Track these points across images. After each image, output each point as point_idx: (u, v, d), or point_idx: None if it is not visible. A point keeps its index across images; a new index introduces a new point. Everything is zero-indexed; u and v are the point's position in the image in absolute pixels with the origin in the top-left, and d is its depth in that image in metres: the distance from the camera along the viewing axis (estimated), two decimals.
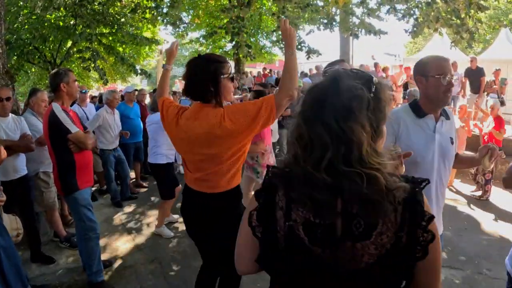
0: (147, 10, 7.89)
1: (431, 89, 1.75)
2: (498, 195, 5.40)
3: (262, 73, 13.32)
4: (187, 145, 1.86)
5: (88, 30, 8.14)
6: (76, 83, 2.77)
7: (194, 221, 2.02)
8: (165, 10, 7.30)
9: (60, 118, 2.62)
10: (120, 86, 18.85)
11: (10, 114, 3.21)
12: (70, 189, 2.74)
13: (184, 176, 2.06)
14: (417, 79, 1.81)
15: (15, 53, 9.61)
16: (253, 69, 18.32)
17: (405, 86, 9.76)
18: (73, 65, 12.56)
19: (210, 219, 1.93)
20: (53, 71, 2.80)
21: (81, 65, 9.04)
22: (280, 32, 7.83)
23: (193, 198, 1.96)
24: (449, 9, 7.69)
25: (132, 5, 7.78)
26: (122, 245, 3.86)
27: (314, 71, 11.28)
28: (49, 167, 3.47)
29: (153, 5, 7.60)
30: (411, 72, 9.73)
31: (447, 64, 1.76)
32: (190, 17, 13.99)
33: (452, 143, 1.89)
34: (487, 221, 4.54)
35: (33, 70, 13.17)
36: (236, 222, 1.91)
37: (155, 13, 7.51)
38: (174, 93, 7.32)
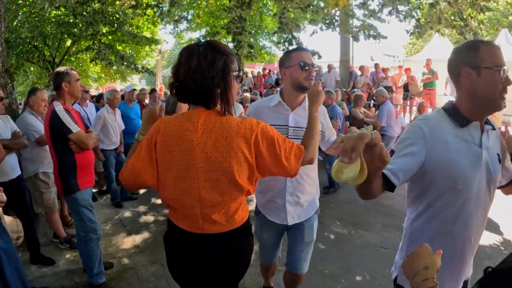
0: (149, 8, 7.85)
1: (483, 86, 1.25)
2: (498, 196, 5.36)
3: (262, 73, 13.31)
4: (202, 172, 1.35)
5: (91, 29, 8.10)
6: (79, 82, 2.73)
7: (194, 269, 1.51)
8: (165, 9, 7.28)
9: (61, 118, 2.58)
10: (119, 86, 18.82)
11: None
12: (71, 189, 2.70)
13: (172, 218, 1.53)
14: (464, 71, 1.27)
15: (14, 52, 9.57)
16: (253, 69, 18.30)
17: (405, 87, 9.77)
18: (72, 65, 12.53)
19: (219, 265, 1.49)
20: (56, 69, 2.76)
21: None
22: (281, 34, 7.82)
23: (196, 243, 1.47)
24: (451, 11, 7.68)
25: (133, 2, 7.74)
26: (122, 246, 3.81)
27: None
28: (48, 168, 3.42)
29: (154, 3, 7.57)
30: (411, 73, 9.85)
31: (501, 53, 1.26)
32: (190, 17, 13.97)
33: (500, 162, 1.39)
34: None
35: (31, 69, 13.12)
36: (244, 266, 1.57)
37: (156, 11, 7.48)
38: None
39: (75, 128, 2.61)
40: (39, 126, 3.36)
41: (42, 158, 3.39)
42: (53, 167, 2.79)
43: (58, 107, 2.60)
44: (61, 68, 2.74)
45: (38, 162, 3.41)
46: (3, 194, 2.12)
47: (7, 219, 2.35)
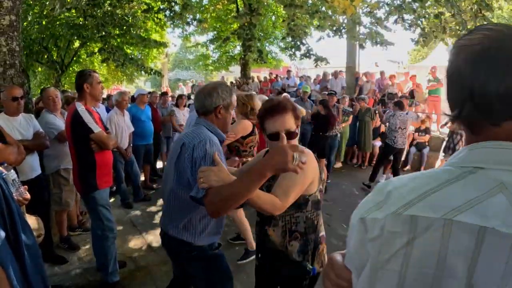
0: (161, 12, 7.96)
1: None
2: None
3: (268, 78, 13.38)
4: None
5: (102, 31, 8.22)
6: (101, 85, 2.80)
7: None
8: (177, 10, 7.37)
9: (83, 118, 2.65)
10: (124, 88, 18.94)
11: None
12: (90, 188, 2.76)
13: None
14: None
15: (25, 52, 9.68)
16: (258, 73, 18.39)
17: (411, 94, 9.82)
18: (80, 66, 12.65)
19: None
20: (79, 71, 2.84)
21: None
22: (288, 39, 7.88)
23: None
24: (455, 21, 7.78)
25: (145, 6, 7.85)
26: (134, 246, 3.87)
27: (321, 78, 11.35)
28: (69, 164, 3.43)
29: (164, 6, 7.68)
30: (417, 80, 9.91)
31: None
32: (199, 17, 14.08)
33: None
34: None
35: (39, 69, 13.24)
36: None
37: (168, 14, 7.59)
38: (180, 96, 7.33)
39: (96, 128, 2.67)
40: (58, 123, 3.44)
41: (63, 155, 3.43)
42: (73, 166, 2.85)
43: (80, 108, 2.67)
44: (84, 70, 2.81)
45: (60, 159, 3.47)
46: (27, 192, 2.18)
47: (29, 218, 2.41)
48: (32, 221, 2.43)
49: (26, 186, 2.22)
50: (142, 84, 24.79)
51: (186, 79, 20.88)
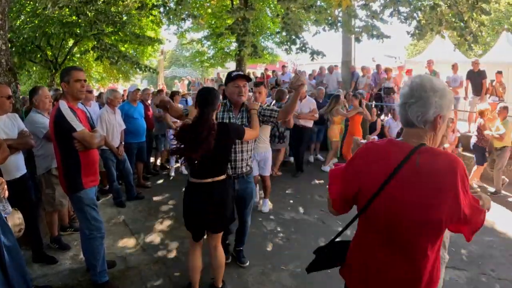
0: (155, 8, 7.86)
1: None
2: None
3: (265, 74, 13.32)
4: None
5: (96, 29, 8.12)
6: (81, 83, 2.71)
7: None
8: (172, 7, 7.28)
9: (66, 116, 2.58)
10: (121, 86, 18.83)
11: None
12: (75, 188, 2.70)
13: None
14: None
15: (18, 52, 9.60)
16: (254, 70, 18.30)
17: None
18: (74, 65, 12.57)
19: None
20: (62, 69, 2.78)
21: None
22: (283, 33, 7.83)
23: None
24: (452, 13, 7.70)
25: (138, 3, 7.76)
26: (125, 245, 3.81)
27: (317, 72, 11.29)
28: None
29: (159, 3, 7.58)
30: (412, 74, 9.84)
31: None
32: (197, 13, 13.96)
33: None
34: (490, 222, 4.51)
35: (34, 69, 13.15)
36: None
37: (162, 10, 7.49)
38: (177, 93, 7.25)
39: (79, 126, 2.60)
40: (46, 122, 3.37)
41: (54, 154, 3.37)
42: (58, 166, 2.79)
43: (63, 106, 2.61)
44: (66, 67, 2.75)
45: (51, 158, 3.39)
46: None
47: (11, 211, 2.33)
48: (13, 215, 2.36)
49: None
50: (138, 82, 24.68)
51: (183, 76, 20.75)
